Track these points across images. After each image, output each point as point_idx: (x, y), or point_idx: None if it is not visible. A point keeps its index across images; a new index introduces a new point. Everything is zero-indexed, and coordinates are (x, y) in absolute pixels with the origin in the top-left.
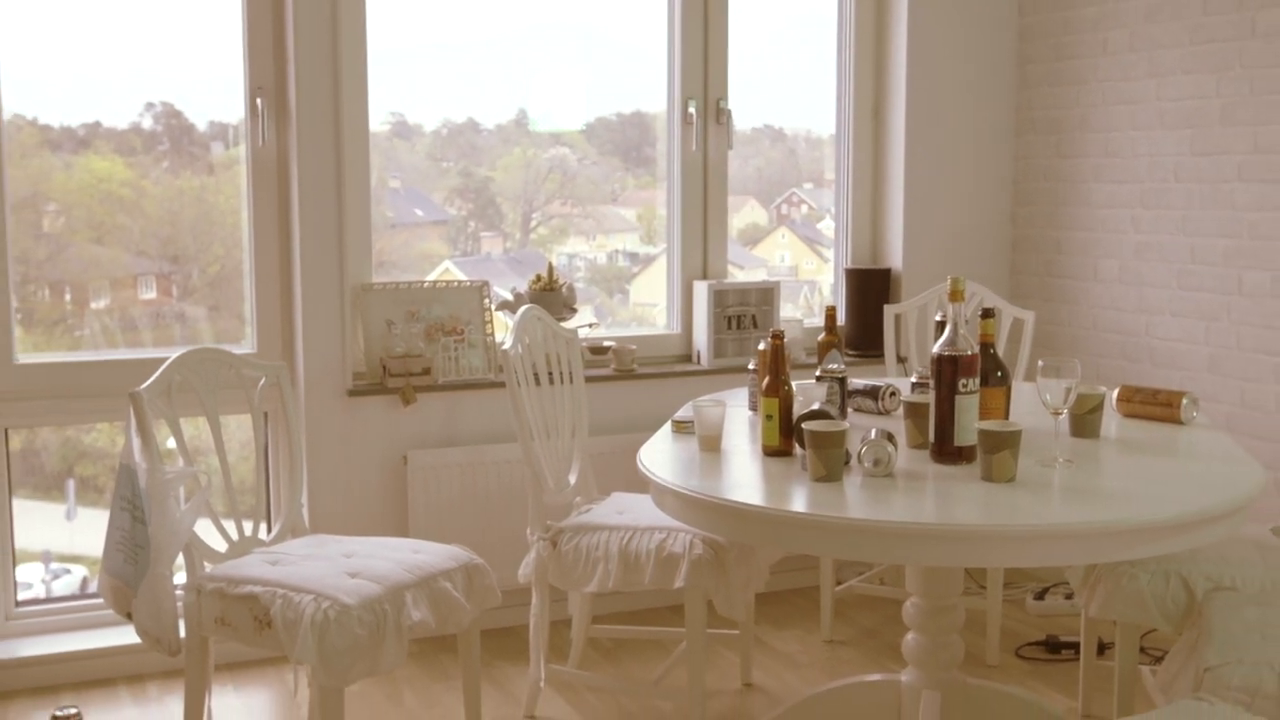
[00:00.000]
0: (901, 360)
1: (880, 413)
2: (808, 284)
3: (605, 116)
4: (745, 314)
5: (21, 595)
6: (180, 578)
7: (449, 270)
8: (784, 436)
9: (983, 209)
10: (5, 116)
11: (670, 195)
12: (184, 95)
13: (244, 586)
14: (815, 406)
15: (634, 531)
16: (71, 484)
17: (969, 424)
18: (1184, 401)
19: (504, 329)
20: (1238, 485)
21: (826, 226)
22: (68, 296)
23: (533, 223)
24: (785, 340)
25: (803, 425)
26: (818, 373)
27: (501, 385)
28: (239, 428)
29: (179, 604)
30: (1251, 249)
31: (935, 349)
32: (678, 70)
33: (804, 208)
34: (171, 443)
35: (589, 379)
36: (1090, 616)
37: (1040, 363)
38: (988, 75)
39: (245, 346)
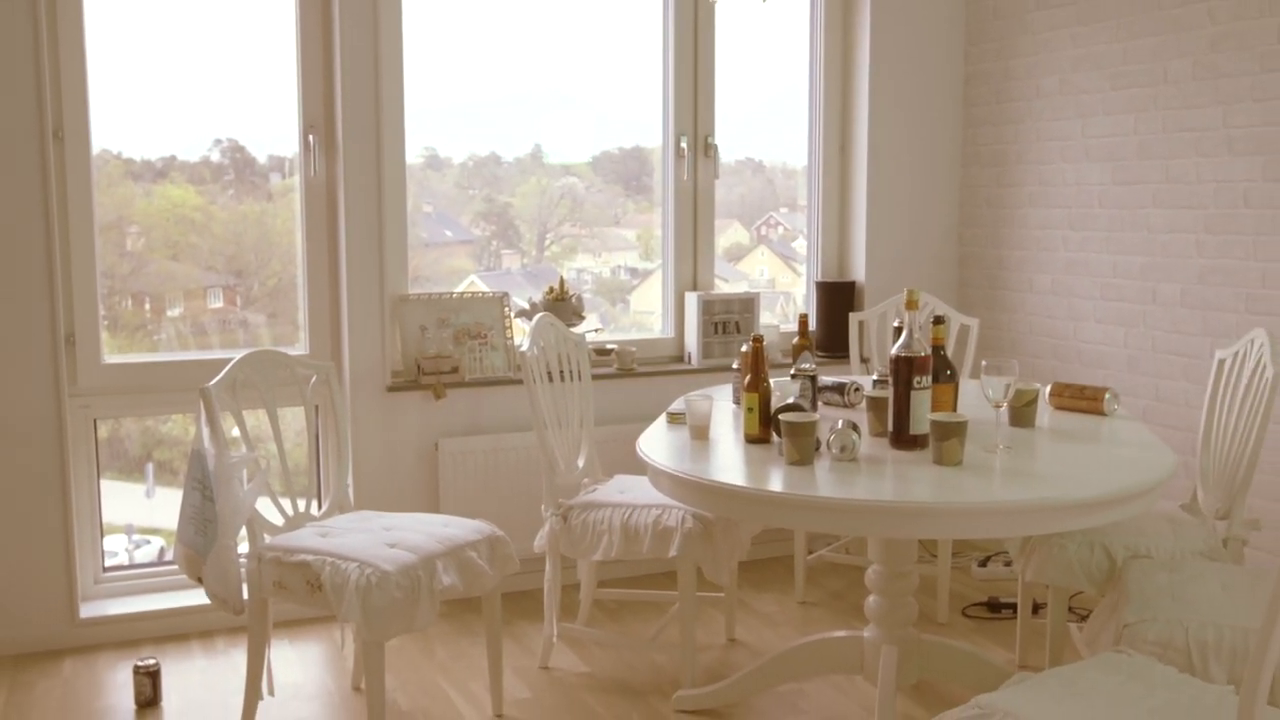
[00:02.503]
0: (864, 360)
1: (846, 406)
2: (783, 295)
3: (609, 150)
4: (729, 320)
5: (108, 562)
6: (244, 548)
7: (474, 283)
8: (763, 426)
9: (934, 230)
10: (94, 151)
11: (665, 218)
12: (247, 133)
13: (298, 555)
14: (790, 400)
15: (634, 508)
16: (150, 467)
17: (922, 415)
18: (1106, 396)
19: (522, 333)
20: (1152, 468)
21: (799, 245)
22: (147, 306)
23: (546, 242)
24: (764, 343)
25: (779, 416)
26: (792, 371)
27: (519, 382)
28: (294, 419)
29: (242, 570)
30: (1164, 265)
31: (893, 351)
32: (671, 110)
33: (780, 229)
34: (236, 432)
35: (595, 377)
36: (1026, 581)
37: (983, 363)
38: (938, 116)
39: (299, 349)
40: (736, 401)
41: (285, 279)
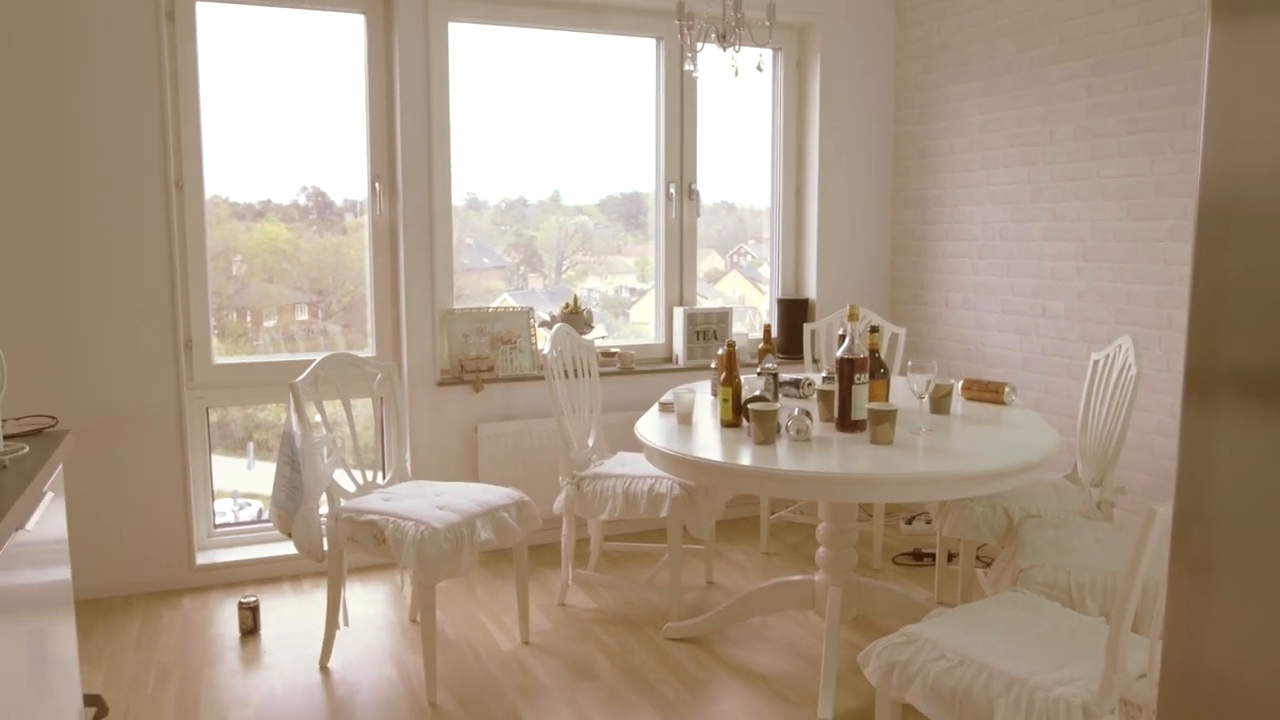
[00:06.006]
0: (815, 361)
1: (801, 397)
2: (751, 309)
3: (613, 195)
4: (708, 329)
5: (218, 520)
6: (324, 509)
7: (506, 300)
8: (735, 413)
9: (871, 258)
10: (207, 196)
11: (657, 248)
12: (327, 181)
13: (367, 515)
14: (756, 393)
15: (633, 479)
16: (251, 445)
17: (862, 405)
18: (1006, 389)
19: (544, 340)
20: (1041, 446)
21: (764, 270)
22: (248, 318)
23: (563, 267)
24: (736, 348)
25: (748, 406)
26: (758, 370)
27: (542, 378)
28: (363, 407)
29: (323, 527)
30: (1051, 287)
31: (838, 354)
32: (662, 163)
33: (749, 257)
34: (318, 417)
35: (602, 374)
36: (943, 535)
37: (909, 363)
38: (873, 168)
39: (368, 352)
40: (714, 394)
41: (357, 296)
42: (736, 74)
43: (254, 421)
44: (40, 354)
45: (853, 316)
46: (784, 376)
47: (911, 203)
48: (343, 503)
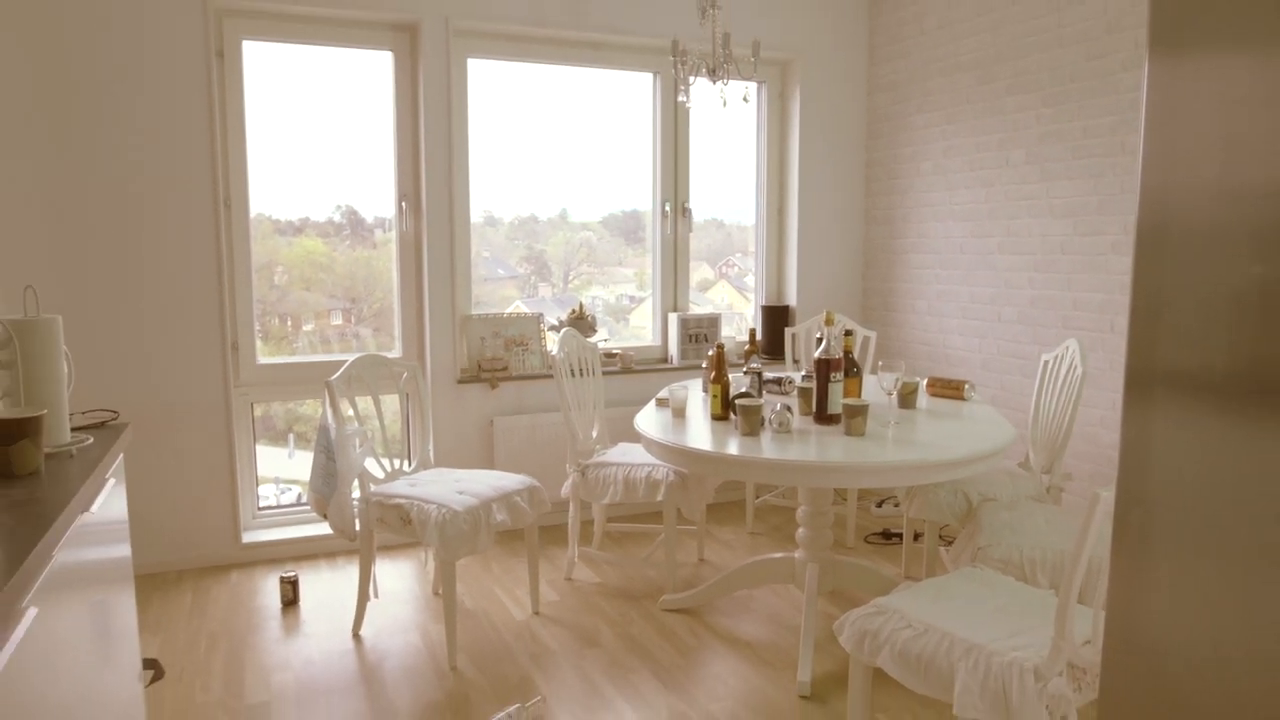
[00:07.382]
0: (796, 362)
1: (783, 394)
2: (738, 315)
3: (614, 212)
4: (700, 333)
5: (261, 503)
6: (356, 494)
7: (519, 306)
8: (724, 408)
9: (845, 269)
10: (252, 214)
11: (654, 261)
12: (359, 200)
13: (394, 499)
14: (743, 390)
15: (632, 467)
16: (291, 436)
17: (837, 400)
18: (966, 387)
19: (552, 342)
20: (997, 438)
21: (750, 279)
22: (289, 323)
23: (570, 277)
24: (724, 349)
25: (735, 401)
26: (745, 369)
27: (551, 377)
28: (391, 402)
29: (355, 510)
30: (1006, 295)
31: (816, 355)
32: (658, 184)
33: (736, 268)
34: (351, 411)
35: (604, 373)
36: (910, 517)
37: (880, 363)
38: (847, 189)
39: (395, 353)
40: (705, 391)
41: (385, 303)
42: (725, 105)
43: (294, 415)
44: (104, 355)
45: (829, 321)
46: (767, 375)
47: (881, 220)
48: (373, 488)
